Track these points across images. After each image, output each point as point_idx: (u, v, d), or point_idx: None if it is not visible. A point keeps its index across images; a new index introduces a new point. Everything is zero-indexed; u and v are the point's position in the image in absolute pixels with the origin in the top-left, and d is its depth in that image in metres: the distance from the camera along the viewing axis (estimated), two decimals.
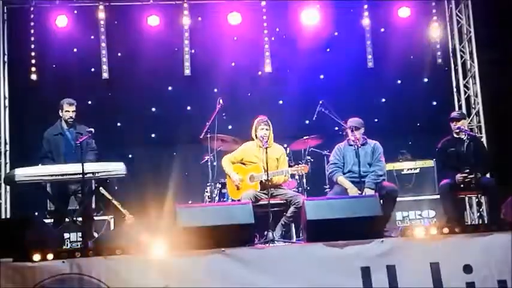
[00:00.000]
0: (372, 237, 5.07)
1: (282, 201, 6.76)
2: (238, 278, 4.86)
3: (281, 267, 4.93)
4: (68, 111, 6.99)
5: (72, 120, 7.01)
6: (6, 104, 8.93)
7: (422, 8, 9.48)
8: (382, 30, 9.59)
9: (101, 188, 6.55)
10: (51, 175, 6.23)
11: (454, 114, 7.43)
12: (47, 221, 6.93)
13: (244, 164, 7.07)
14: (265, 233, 6.23)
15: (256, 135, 7.01)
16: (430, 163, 8.37)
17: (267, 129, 6.93)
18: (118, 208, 6.50)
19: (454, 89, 9.41)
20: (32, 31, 9.02)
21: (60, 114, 7.04)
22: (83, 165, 6.17)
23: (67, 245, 7.57)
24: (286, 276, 4.90)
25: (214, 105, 7.58)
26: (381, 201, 6.57)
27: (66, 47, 9.10)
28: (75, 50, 9.23)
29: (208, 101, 8.09)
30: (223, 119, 7.67)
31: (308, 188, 7.75)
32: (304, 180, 7.71)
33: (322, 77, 9.53)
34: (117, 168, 6.38)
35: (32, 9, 9.01)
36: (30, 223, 5.20)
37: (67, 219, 6.63)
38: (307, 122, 8.52)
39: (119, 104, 9.27)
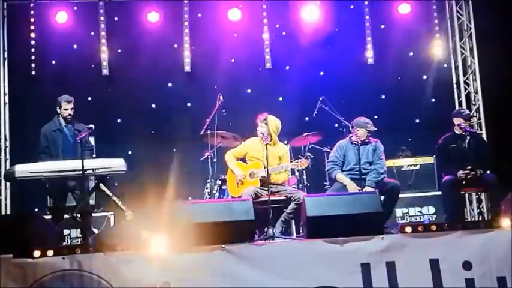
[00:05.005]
0: (372, 234, 5.07)
1: (282, 198, 6.77)
2: (238, 274, 4.86)
3: (281, 263, 4.93)
4: (67, 109, 6.98)
5: (70, 117, 7.00)
6: (6, 100, 8.95)
7: (422, 4, 9.48)
8: (383, 26, 9.58)
9: (100, 184, 6.55)
10: (52, 171, 6.25)
11: (468, 112, 7.48)
12: (46, 217, 6.92)
13: (246, 160, 7.08)
14: (265, 229, 6.21)
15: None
16: (430, 160, 8.38)
17: (262, 127, 6.93)
18: (118, 204, 6.48)
19: (454, 86, 9.41)
20: (32, 27, 9.05)
21: (58, 111, 7.03)
22: (82, 162, 6.17)
23: (67, 241, 7.57)
24: (286, 272, 4.90)
25: (214, 101, 7.58)
26: (383, 197, 6.61)
27: (66, 44, 9.11)
28: (75, 46, 9.23)
29: (208, 98, 8.09)
30: (223, 115, 7.64)
31: (308, 184, 7.75)
32: (305, 176, 7.71)
33: (322, 73, 9.50)
34: (117, 164, 6.40)
35: (32, 5, 9.04)
36: (30, 219, 5.20)
37: (67, 216, 6.64)
38: (307, 118, 8.52)
39: (118, 100, 9.25)
